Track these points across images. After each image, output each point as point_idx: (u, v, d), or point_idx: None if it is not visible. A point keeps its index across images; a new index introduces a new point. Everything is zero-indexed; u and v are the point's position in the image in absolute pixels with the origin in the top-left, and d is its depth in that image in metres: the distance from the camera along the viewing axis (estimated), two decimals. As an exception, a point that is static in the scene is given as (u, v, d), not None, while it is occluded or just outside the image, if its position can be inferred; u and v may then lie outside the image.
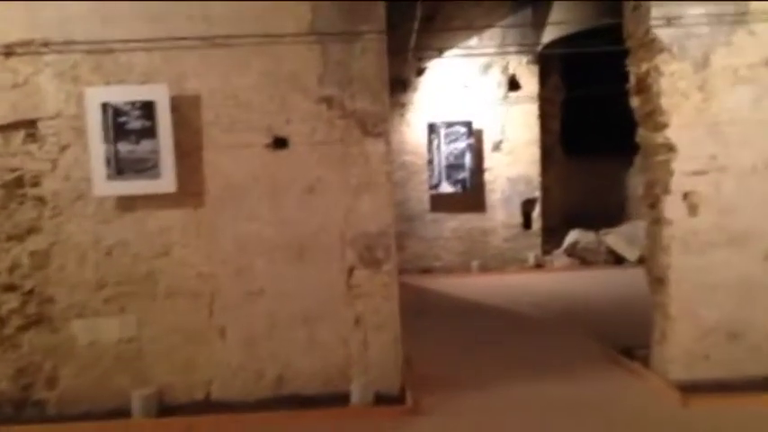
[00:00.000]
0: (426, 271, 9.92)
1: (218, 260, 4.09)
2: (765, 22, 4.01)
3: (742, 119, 4.10)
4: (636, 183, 11.11)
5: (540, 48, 9.51)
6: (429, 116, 9.85)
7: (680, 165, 4.17)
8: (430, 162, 9.92)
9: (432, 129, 9.83)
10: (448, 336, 5.98)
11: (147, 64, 4.04)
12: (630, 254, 10.07)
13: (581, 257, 10.15)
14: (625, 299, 7.35)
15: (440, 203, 10.09)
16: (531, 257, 9.99)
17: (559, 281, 8.95)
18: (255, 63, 4.06)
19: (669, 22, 4.04)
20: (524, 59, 9.80)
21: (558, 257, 10.18)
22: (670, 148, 4.18)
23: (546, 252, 10.24)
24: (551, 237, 10.36)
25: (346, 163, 4.07)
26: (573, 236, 10.34)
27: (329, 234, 4.12)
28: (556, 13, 9.08)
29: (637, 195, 11.08)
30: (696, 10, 4.04)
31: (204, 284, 4.09)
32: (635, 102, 4.50)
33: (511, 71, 9.83)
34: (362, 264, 4.15)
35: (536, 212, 10.13)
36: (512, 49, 9.62)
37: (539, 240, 10.16)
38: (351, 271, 4.15)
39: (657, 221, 4.37)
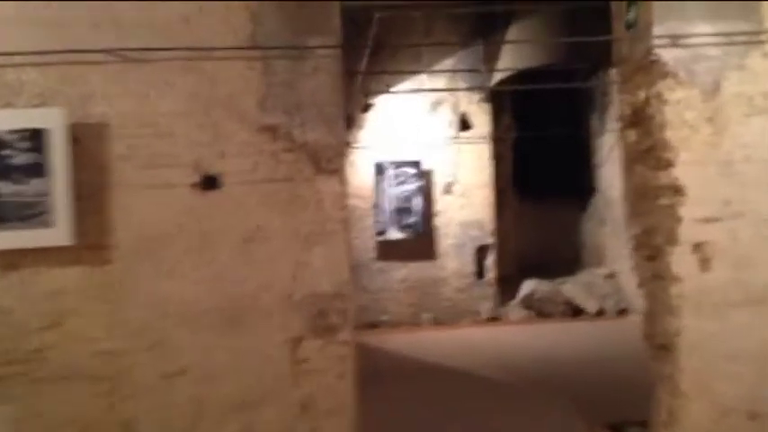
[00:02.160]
0: (373, 326, 9.07)
1: (126, 332, 3.19)
2: (783, 45, 3.45)
3: (758, 156, 3.51)
4: (590, 228, 10.64)
5: (491, 85, 8.98)
6: (375, 156, 9.13)
7: (689, 210, 3.53)
8: (376, 206, 9.18)
9: (378, 169, 9.13)
10: (409, 408, 5.16)
11: (39, 83, 3.19)
12: (589, 305, 9.51)
13: (538, 309, 9.51)
14: (596, 357, 6.71)
15: (387, 251, 9.32)
16: (486, 309, 9.30)
17: (519, 336, 8.26)
18: (181, 83, 3.26)
19: (675, 41, 3.45)
20: (476, 97, 9.26)
21: (514, 309, 9.52)
22: (676, 190, 3.54)
23: (501, 303, 9.56)
24: (506, 286, 9.70)
25: (295, 206, 3.26)
26: (529, 286, 9.72)
27: (272, 296, 3.28)
28: (508, 49, 8.59)
29: (592, 242, 10.60)
30: (704, 28, 3.46)
31: (108, 363, 3.17)
32: (630, 136, 3.88)
33: (462, 109, 9.26)
34: (313, 332, 3.32)
35: (490, 260, 9.48)
36: (463, 85, 9.05)
37: (493, 290, 9.49)
38: (298, 342, 3.31)
39: (660, 277, 3.71)
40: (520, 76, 8.64)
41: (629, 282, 9.51)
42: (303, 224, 3.27)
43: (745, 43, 3.47)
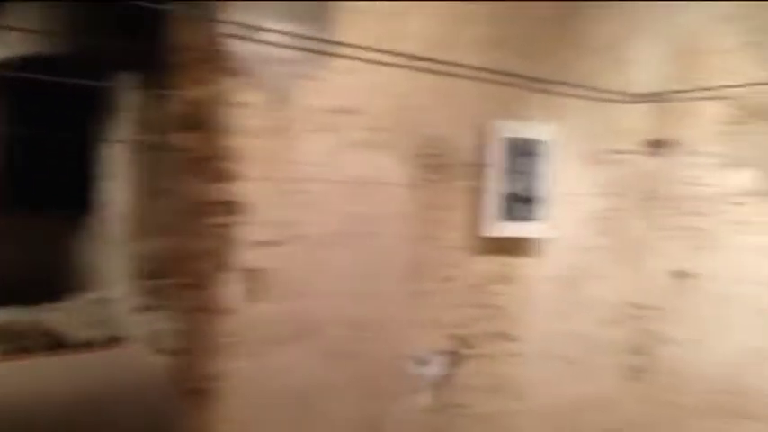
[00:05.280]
0: None
1: None
2: (348, 60, 3.23)
3: (321, 176, 3.23)
4: (85, 247, 9.47)
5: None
6: None
7: (246, 232, 3.04)
8: None
9: None
10: None
11: None
12: (76, 335, 8.38)
13: (16, 344, 7.95)
14: (93, 401, 5.70)
15: None
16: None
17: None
18: None
19: (249, 33, 2.93)
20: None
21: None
22: (234, 208, 3.02)
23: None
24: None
25: None
26: (4, 316, 8.09)
27: None
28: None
29: (85, 262, 9.46)
30: (277, 25, 3.04)
31: None
32: (180, 140, 3.20)
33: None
34: None
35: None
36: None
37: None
38: None
39: (203, 309, 3.12)
40: (28, 63, 7.05)
41: (121, 307, 8.69)
42: None
43: (315, 51, 3.16)
